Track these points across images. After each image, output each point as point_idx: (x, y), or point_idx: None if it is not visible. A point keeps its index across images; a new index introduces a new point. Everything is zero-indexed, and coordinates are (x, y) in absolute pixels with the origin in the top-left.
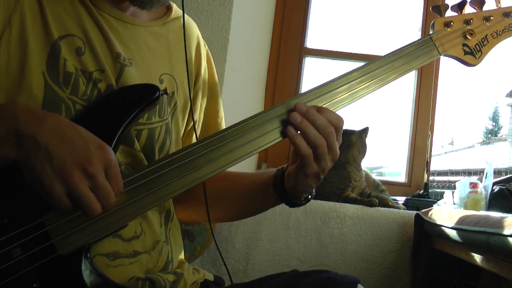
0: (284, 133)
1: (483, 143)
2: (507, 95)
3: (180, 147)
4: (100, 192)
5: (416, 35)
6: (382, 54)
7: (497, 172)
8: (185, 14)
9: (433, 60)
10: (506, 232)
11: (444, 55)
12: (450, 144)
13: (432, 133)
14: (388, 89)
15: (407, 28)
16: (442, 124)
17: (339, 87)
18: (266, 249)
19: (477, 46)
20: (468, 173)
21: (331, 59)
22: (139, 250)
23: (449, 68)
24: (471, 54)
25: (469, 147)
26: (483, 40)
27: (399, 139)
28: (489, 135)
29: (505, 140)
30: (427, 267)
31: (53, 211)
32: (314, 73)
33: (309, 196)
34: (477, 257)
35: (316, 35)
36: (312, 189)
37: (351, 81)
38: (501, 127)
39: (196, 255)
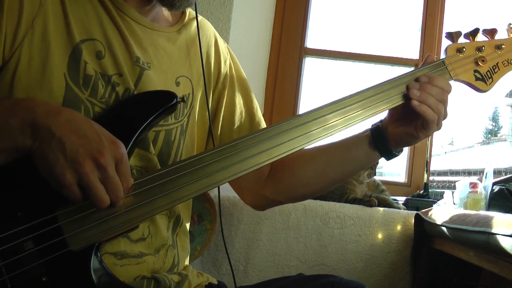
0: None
1: (483, 143)
2: (507, 95)
3: (194, 147)
4: (110, 184)
5: (416, 35)
6: (382, 54)
7: (497, 172)
8: (199, 15)
9: None
10: (506, 232)
11: (456, 80)
12: (450, 144)
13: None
14: None
15: (407, 28)
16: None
17: (353, 103)
18: (266, 249)
19: (488, 73)
20: (468, 173)
21: (331, 59)
22: (145, 251)
23: None
24: (482, 81)
25: (469, 147)
26: (494, 67)
27: None
28: (489, 135)
29: (505, 140)
30: (427, 267)
31: (66, 206)
32: (314, 73)
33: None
34: (477, 257)
35: (316, 35)
36: None
37: (365, 99)
38: (501, 127)
39: (196, 255)
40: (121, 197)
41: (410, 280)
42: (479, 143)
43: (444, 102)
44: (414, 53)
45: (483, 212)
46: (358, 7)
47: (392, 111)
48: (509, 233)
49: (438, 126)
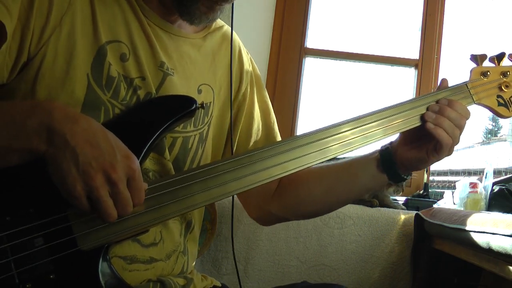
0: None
1: (483, 143)
2: None
3: (209, 155)
4: (119, 200)
5: (416, 35)
6: (382, 54)
7: (497, 172)
8: (225, 24)
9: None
10: (506, 232)
11: (478, 104)
12: None
13: None
14: (388, 88)
15: (407, 28)
16: None
17: (372, 122)
18: (266, 249)
19: (511, 99)
20: (468, 173)
21: (331, 59)
22: (156, 257)
23: (448, 67)
24: (505, 106)
25: (469, 147)
26: None
27: None
28: (489, 135)
29: (505, 140)
30: (427, 267)
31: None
32: (314, 73)
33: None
34: (477, 257)
35: (316, 35)
36: None
37: (384, 118)
38: (501, 127)
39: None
40: (129, 212)
41: (410, 280)
42: (479, 143)
43: (461, 128)
44: (414, 53)
45: (483, 212)
46: (358, 7)
47: (405, 133)
48: (509, 233)
49: (450, 152)
